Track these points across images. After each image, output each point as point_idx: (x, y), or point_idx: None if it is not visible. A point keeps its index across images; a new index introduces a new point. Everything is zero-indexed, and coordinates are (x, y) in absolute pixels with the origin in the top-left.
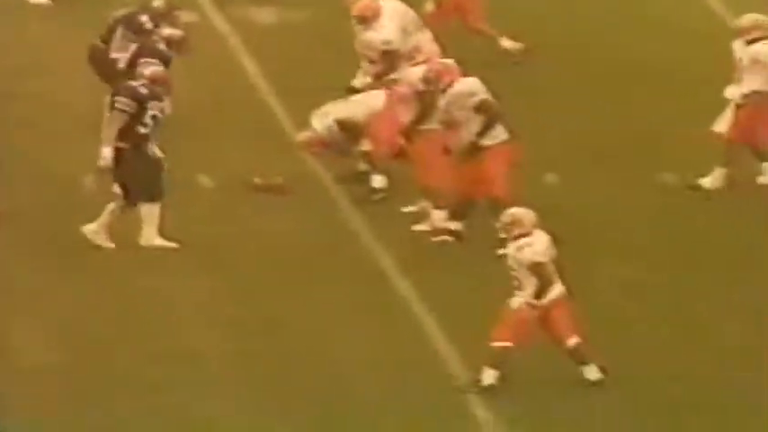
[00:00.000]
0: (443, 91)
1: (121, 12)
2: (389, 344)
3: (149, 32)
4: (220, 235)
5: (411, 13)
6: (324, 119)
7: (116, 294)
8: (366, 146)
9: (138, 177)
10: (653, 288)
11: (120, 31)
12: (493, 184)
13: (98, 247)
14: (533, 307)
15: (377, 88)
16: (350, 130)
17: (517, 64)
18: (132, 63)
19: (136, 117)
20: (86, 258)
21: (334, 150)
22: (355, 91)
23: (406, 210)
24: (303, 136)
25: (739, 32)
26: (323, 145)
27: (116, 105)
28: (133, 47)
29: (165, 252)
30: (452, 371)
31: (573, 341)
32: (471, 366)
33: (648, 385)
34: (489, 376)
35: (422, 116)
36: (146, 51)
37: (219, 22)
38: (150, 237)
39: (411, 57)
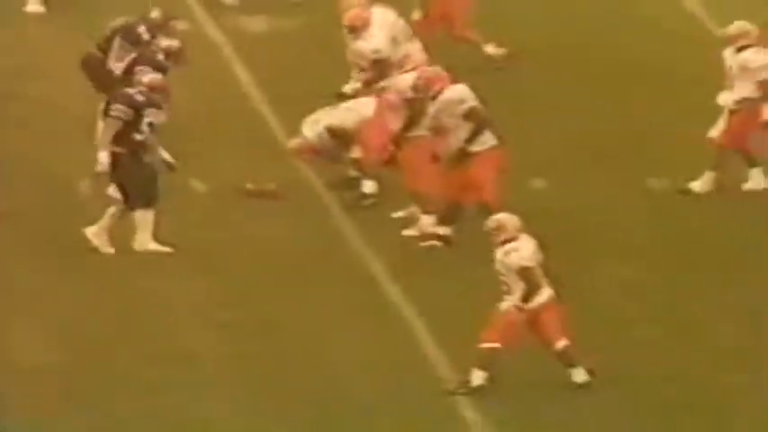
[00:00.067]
0: (433, 98)
1: (119, 22)
2: (381, 347)
3: (147, 43)
4: (214, 239)
5: (401, 22)
6: (314, 126)
7: (114, 296)
8: (356, 153)
9: (134, 183)
10: (647, 289)
11: (117, 42)
12: (482, 190)
13: (96, 250)
14: (521, 310)
15: (367, 95)
16: (340, 138)
17: (500, 69)
18: (129, 71)
19: (132, 124)
20: (85, 260)
21: (324, 157)
22: (345, 97)
23: (395, 215)
24: (294, 143)
25: (728, 40)
26: (314, 152)
27: (112, 112)
28: (131, 56)
29: (161, 255)
30: (442, 374)
31: (561, 344)
32: (460, 369)
33: (638, 386)
34: (478, 377)
35: (410, 123)
36: (143, 60)
37: (212, 30)
38: (144, 242)
39: (401, 65)
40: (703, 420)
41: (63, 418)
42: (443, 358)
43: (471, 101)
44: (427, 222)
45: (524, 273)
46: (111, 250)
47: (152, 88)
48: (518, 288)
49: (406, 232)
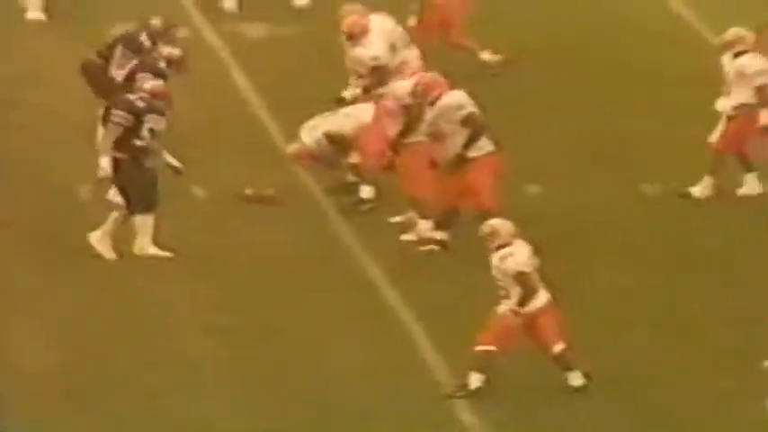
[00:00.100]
0: (431, 104)
1: (121, 31)
2: (379, 351)
3: (148, 50)
4: (214, 244)
5: (399, 29)
6: (313, 132)
7: (114, 300)
8: (354, 158)
9: (134, 188)
10: (643, 293)
11: (119, 50)
12: (480, 196)
13: (97, 255)
14: (517, 314)
15: (366, 101)
16: (338, 143)
17: (496, 75)
18: (130, 78)
19: (132, 130)
20: (85, 264)
21: (322, 163)
22: (344, 102)
23: (393, 220)
24: (292, 148)
25: (724, 46)
26: (312, 158)
27: (112, 118)
28: (132, 62)
29: (161, 260)
30: (440, 378)
31: (558, 348)
32: (458, 373)
33: (633, 389)
34: (476, 380)
35: (408, 129)
36: (144, 67)
37: (212, 37)
38: (144, 246)
39: (398, 72)
40: (700, 423)
41: (63, 420)
42: (441, 362)
43: (469, 107)
44: (425, 227)
45: (520, 277)
46: (114, 256)
47: (154, 95)
48: (515, 293)
49: (405, 237)
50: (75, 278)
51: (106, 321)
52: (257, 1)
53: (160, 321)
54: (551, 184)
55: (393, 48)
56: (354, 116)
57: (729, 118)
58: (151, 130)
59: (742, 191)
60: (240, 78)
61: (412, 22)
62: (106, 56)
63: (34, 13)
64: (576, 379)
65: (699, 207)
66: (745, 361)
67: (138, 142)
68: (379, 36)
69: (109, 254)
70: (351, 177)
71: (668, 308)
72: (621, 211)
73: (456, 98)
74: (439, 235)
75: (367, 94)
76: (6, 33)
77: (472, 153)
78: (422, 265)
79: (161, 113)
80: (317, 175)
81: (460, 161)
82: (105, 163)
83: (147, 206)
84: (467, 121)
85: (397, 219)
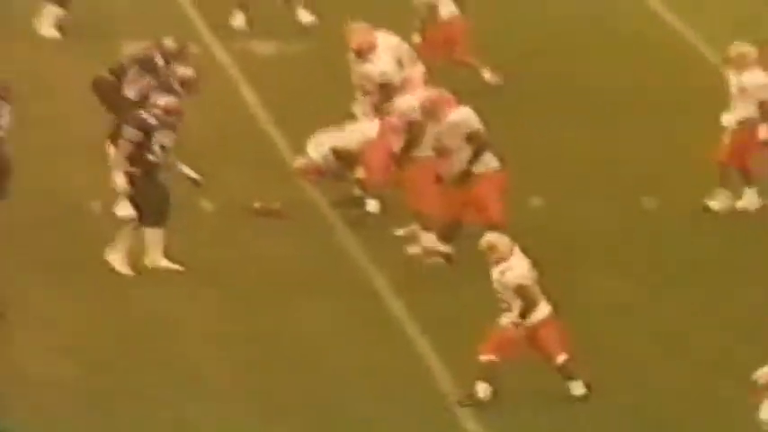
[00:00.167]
0: (438, 120)
1: (135, 51)
2: (383, 360)
3: (162, 70)
4: (222, 256)
5: (405, 45)
6: (320, 147)
7: (124, 311)
8: (360, 173)
9: (147, 202)
10: (640, 303)
11: (134, 70)
12: (487, 210)
13: (109, 268)
14: (519, 326)
15: (375, 117)
16: (345, 159)
17: (499, 93)
18: (144, 96)
19: (143, 146)
20: (96, 277)
21: (329, 177)
22: (354, 117)
23: (398, 233)
24: (299, 163)
25: (728, 62)
26: (318, 172)
27: (123, 134)
28: (145, 80)
29: (170, 272)
30: (443, 386)
31: (561, 359)
32: (462, 382)
33: (633, 398)
34: (483, 390)
35: (411, 145)
36: (158, 86)
37: (222, 54)
38: (156, 259)
39: (403, 88)
40: (698, 431)
41: (72, 429)
42: (445, 372)
43: (475, 123)
44: (430, 240)
45: (521, 290)
46: (131, 272)
47: (167, 111)
48: (516, 305)
49: (411, 250)
50: (86, 290)
51: (117, 332)
52: (266, 19)
53: (170, 332)
54: (554, 197)
55: (400, 64)
56: (360, 132)
57: (733, 132)
58: (162, 146)
59: (740, 204)
60: (249, 94)
61: (416, 39)
62: (119, 74)
63: (48, 30)
64: (577, 388)
65: (697, 220)
66: (742, 370)
67: (151, 157)
68: (387, 52)
69: (126, 270)
70: (357, 191)
71: (667, 318)
72: (622, 223)
73: (462, 115)
74: (443, 247)
75: (378, 111)
76: (20, 50)
77: (477, 169)
78: (426, 276)
79: (172, 129)
80: (323, 188)
81: (466, 176)
82: (120, 178)
83: (158, 220)
84: (471, 138)
85: (401, 232)
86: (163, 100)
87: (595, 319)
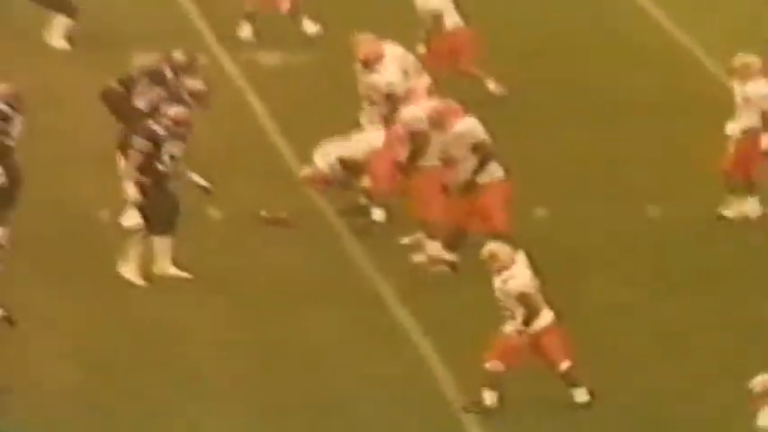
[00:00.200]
0: (444, 130)
1: (145, 63)
2: (388, 367)
3: (173, 82)
4: (229, 264)
5: (410, 56)
6: (326, 157)
7: (132, 318)
8: (366, 182)
9: (156, 211)
10: (643, 310)
11: (144, 82)
12: (493, 219)
13: (116, 275)
14: (522, 334)
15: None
16: (351, 168)
17: (503, 102)
18: (154, 108)
19: (152, 156)
20: (105, 284)
21: (335, 185)
22: (361, 127)
23: (403, 241)
24: (306, 171)
25: (733, 72)
26: (325, 181)
27: (132, 144)
28: (155, 92)
29: (179, 280)
30: (449, 393)
31: (565, 365)
32: (466, 388)
33: (637, 405)
34: (489, 397)
35: (415, 154)
36: (168, 97)
37: (229, 65)
38: (165, 267)
39: (407, 98)
40: None
41: None
42: (450, 378)
43: (481, 134)
44: (435, 248)
45: (523, 298)
46: (144, 282)
47: (176, 122)
48: (519, 313)
49: (416, 258)
50: (95, 297)
51: (125, 339)
52: (271, 30)
53: (177, 339)
54: (558, 206)
55: (405, 74)
56: (366, 141)
57: (737, 141)
58: (171, 156)
59: (727, 211)
60: (257, 105)
61: (421, 50)
62: (128, 85)
63: (57, 41)
64: (581, 395)
65: (699, 227)
66: (744, 375)
67: (160, 167)
68: (393, 63)
69: (140, 280)
70: (363, 200)
71: (670, 324)
72: (626, 231)
73: (467, 125)
74: (448, 256)
75: (387, 122)
76: (30, 61)
77: (482, 179)
78: (431, 284)
79: (181, 139)
80: (330, 197)
81: (471, 186)
82: (131, 188)
83: (167, 228)
84: (476, 148)
85: (407, 240)
86: (172, 110)
87: (599, 326)
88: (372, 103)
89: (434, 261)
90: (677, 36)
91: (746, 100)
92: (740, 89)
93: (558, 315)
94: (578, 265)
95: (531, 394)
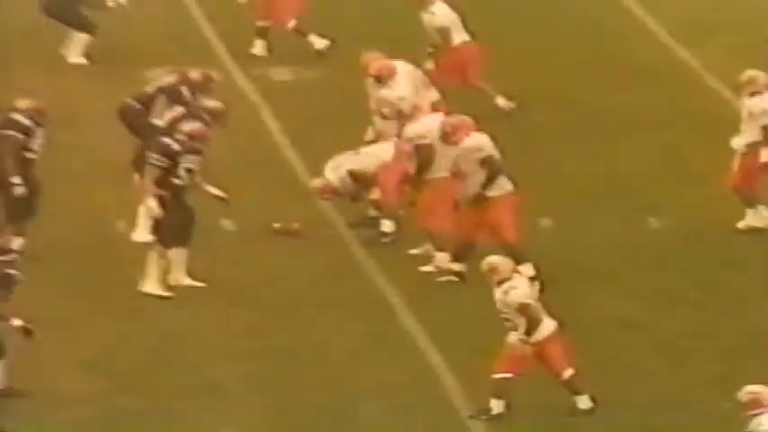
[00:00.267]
0: (455, 144)
1: (163, 82)
2: (397, 374)
3: (190, 100)
4: (243, 275)
5: (419, 72)
6: (337, 170)
7: (148, 328)
8: (376, 194)
9: (173, 223)
10: (646, 320)
11: (161, 100)
12: (503, 232)
13: (131, 285)
14: (525, 343)
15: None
16: (361, 181)
17: (510, 117)
18: (173, 125)
19: (169, 170)
20: (121, 295)
21: (345, 197)
22: (370, 141)
23: (412, 252)
24: (317, 182)
25: (738, 87)
26: (335, 194)
27: (149, 160)
28: (173, 110)
29: (192, 290)
30: (456, 401)
31: (568, 374)
32: (473, 396)
33: (638, 413)
34: (497, 405)
35: (422, 168)
36: (187, 115)
37: (242, 81)
38: (179, 278)
39: (412, 114)
40: None
41: None
42: (458, 386)
43: (489, 149)
44: (443, 259)
45: (524, 309)
46: (169, 294)
47: (192, 137)
48: (521, 324)
49: (424, 268)
50: (111, 308)
51: (140, 348)
52: (282, 46)
53: (191, 348)
54: (562, 218)
55: (416, 89)
56: (376, 155)
57: (742, 156)
58: (188, 169)
59: (742, 224)
60: (269, 119)
61: (429, 65)
62: (146, 102)
63: (76, 58)
64: (584, 402)
65: (701, 240)
66: (744, 385)
67: (177, 181)
68: (405, 78)
69: (164, 292)
70: (372, 212)
71: (672, 335)
72: (630, 243)
73: (476, 141)
74: (456, 266)
75: (399, 136)
76: (48, 77)
77: (491, 192)
78: (439, 294)
79: (197, 154)
80: (340, 209)
81: (480, 199)
82: (152, 203)
83: (184, 240)
84: (485, 163)
85: (415, 251)
86: (188, 126)
87: (602, 336)
88: (384, 117)
89: (442, 271)
90: (680, 53)
91: (750, 114)
92: (746, 103)
93: (560, 325)
94: (581, 274)
95: (536, 402)
